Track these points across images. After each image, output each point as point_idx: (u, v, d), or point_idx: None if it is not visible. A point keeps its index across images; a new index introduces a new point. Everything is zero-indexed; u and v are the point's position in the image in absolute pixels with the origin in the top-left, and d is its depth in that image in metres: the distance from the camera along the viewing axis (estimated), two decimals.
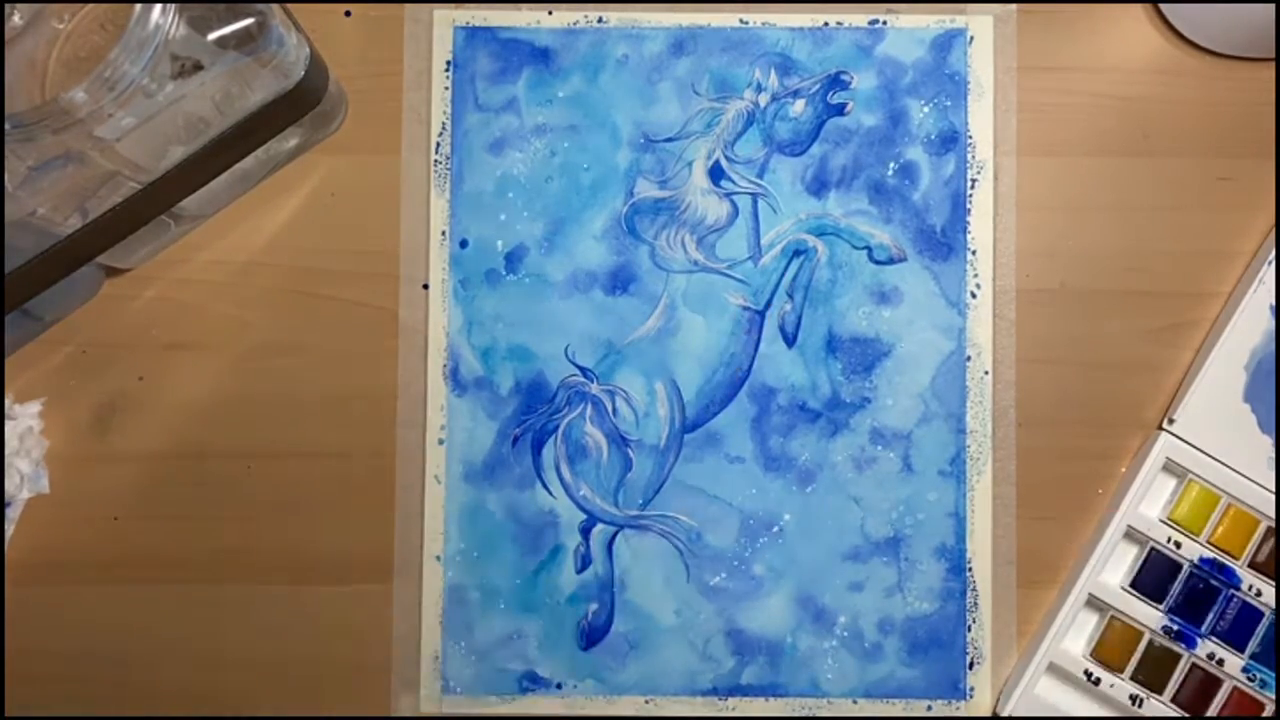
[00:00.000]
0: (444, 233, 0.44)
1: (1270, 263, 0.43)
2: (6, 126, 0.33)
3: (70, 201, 0.36)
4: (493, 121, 0.45)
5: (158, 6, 0.33)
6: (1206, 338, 0.45)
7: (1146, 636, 0.43)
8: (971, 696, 0.44)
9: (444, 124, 0.44)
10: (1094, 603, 0.44)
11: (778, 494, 0.44)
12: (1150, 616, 0.43)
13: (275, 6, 0.36)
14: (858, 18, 0.44)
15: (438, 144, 0.44)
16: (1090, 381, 0.44)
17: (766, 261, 0.44)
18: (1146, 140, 0.45)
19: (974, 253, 0.44)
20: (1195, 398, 0.43)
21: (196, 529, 0.44)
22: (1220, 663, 0.43)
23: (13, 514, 0.42)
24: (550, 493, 0.44)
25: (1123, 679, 0.43)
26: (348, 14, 0.45)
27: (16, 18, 0.36)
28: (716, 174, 0.44)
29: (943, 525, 0.44)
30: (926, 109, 0.44)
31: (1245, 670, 0.43)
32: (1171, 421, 0.44)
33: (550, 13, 0.45)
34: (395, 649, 0.44)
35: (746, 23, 0.45)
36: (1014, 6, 0.45)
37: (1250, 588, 0.43)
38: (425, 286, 0.44)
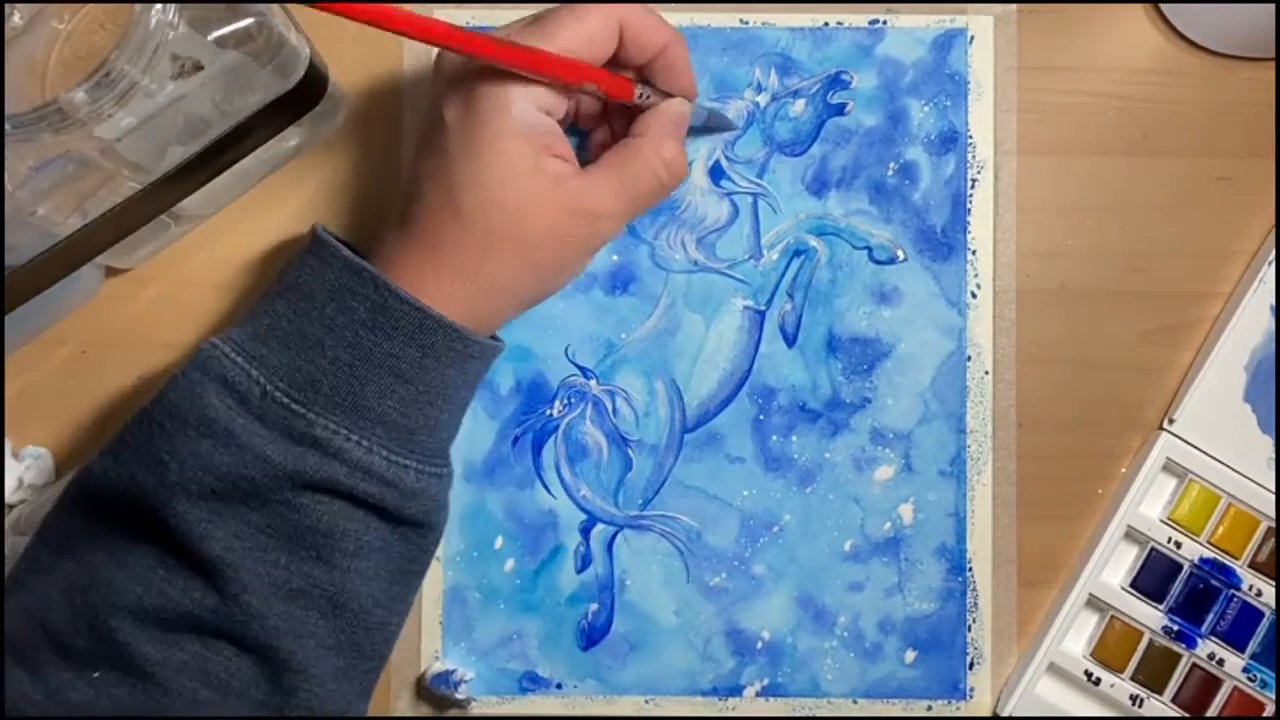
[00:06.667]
0: None
1: (1270, 263, 0.43)
2: (6, 127, 0.33)
3: (70, 201, 0.36)
4: None
5: (158, 6, 0.33)
6: (1206, 338, 0.45)
7: (1147, 636, 0.43)
8: (971, 696, 0.44)
9: None
10: (1094, 603, 0.44)
11: (778, 494, 0.44)
12: (1150, 616, 0.43)
13: (275, 6, 0.36)
14: (858, 18, 0.44)
15: None
16: (1090, 381, 0.44)
17: (767, 261, 0.44)
18: (1146, 140, 0.45)
19: (974, 253, 0.44)
20: (1195, 398, 0.43)
21: None
22: (1220, 663, 0.43)
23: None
24: (550, 493, 0.44)
25: (1123, 679, 0.43)
26: None
27: (16, 18, 0.36)
28: (716, 174, 0.44)
29: (943, 525, 0.44)
30: (926, 109, 0.44)
31: (1245, 670, 0.43)
32: (1171, 421, 0.44)
33: None
34: (395, 649, 0.44)
35: (746, 23, 0.44)
36: (1014, 6, 0.45)
37: (1250, 588, 0.43)
38: None
